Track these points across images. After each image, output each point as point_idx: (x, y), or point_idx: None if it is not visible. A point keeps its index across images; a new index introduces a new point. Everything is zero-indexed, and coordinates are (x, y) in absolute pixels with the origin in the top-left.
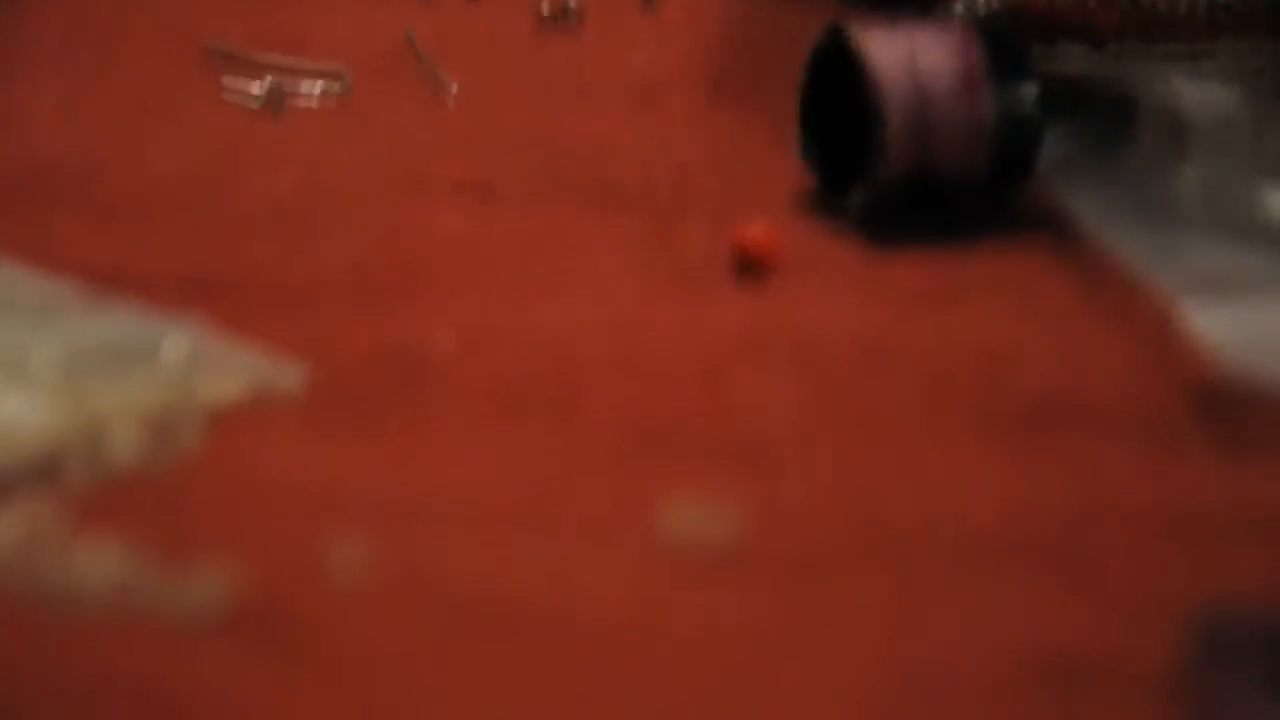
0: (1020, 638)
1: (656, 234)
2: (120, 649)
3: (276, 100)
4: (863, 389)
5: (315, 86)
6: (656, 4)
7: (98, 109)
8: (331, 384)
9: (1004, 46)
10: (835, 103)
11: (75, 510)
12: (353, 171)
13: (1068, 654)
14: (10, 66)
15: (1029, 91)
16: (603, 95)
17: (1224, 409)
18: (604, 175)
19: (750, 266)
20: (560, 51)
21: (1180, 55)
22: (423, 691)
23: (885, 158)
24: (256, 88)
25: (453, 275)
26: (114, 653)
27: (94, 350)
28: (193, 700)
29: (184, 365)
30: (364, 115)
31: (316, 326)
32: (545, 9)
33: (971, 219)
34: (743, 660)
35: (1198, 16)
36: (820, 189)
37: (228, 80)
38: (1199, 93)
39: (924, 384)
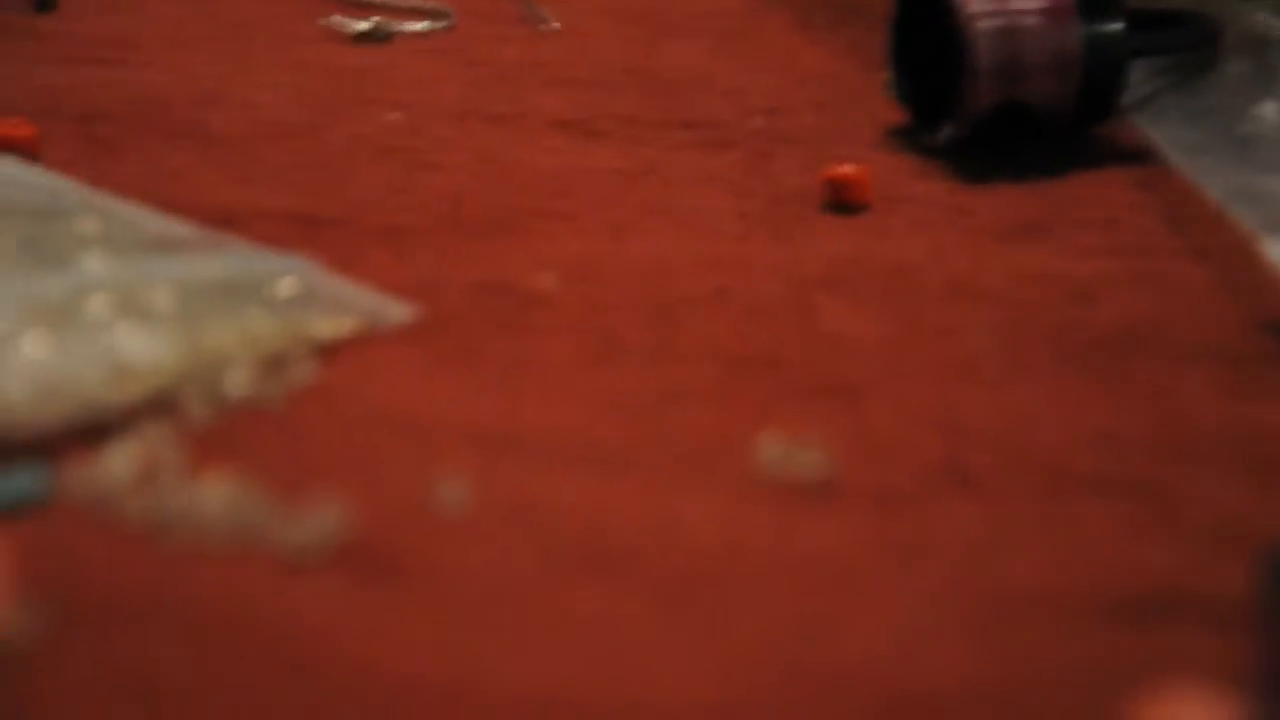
0: (1099, 569)
1: (750, 168)
2: (232, 579)
3: (382, 37)
4: (950, 322)
5: (419, 24)
6: None
7: (207, 45)
8: (436, 319)
9: None
10: (926, 37)
11: (192, 443)
12: (456, 108)
13: (1145, 585)
14: (123, 1)
15: (1116, 26)
16: (696, 30)
17: None
18: (698, 110)
19: (841, 202)
20: None
21: None
22: (523, 621)
23: (974, 92)
24: (363, 24)
25: (552, 211)
26: (226, 582)
27: (210, 287)
28: (300, 628)
29: (296, 301)
30: (467, 52)
31: (421, 262)
32: None
33: (1057, 153)
34: (832, 591)
35: None
36: (910, 123)
37: (335, 17)
38: None
39: (1009, 317)
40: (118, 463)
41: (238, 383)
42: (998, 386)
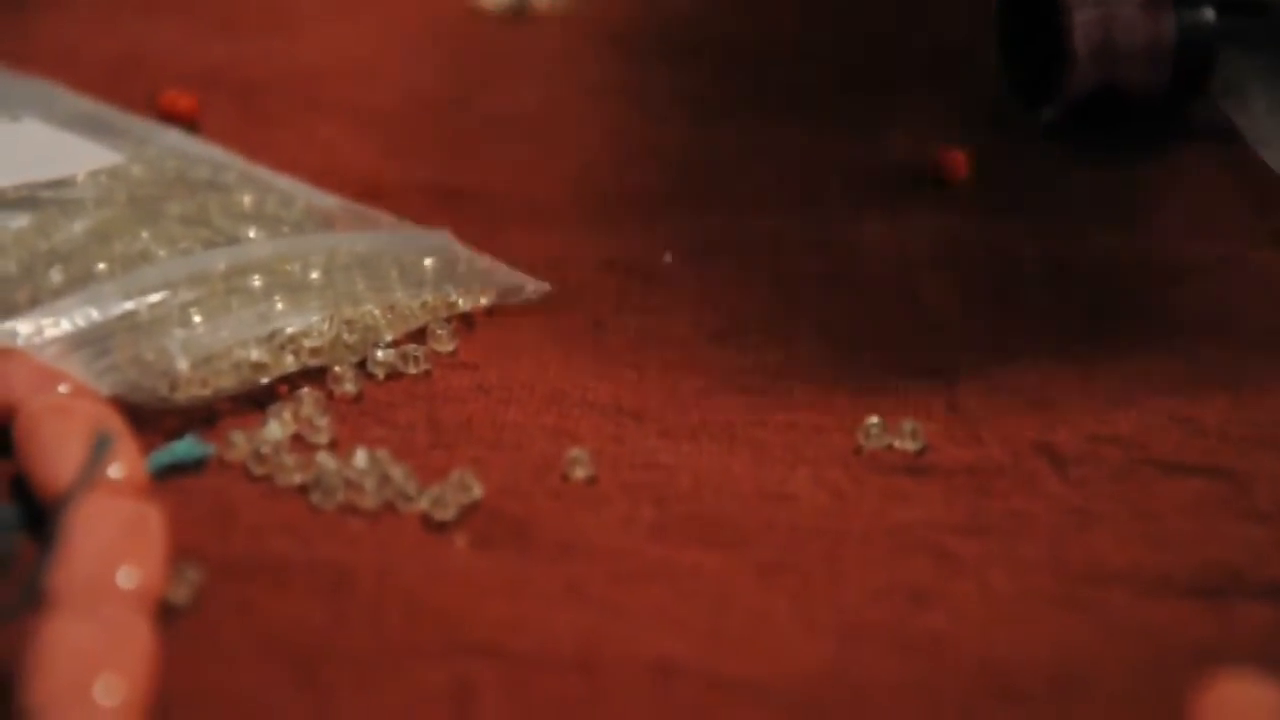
0: (1175, 548)
1: (860, 144)
2: (376, 539)
3: (519, 9)
4: (1043, 303)
5: None
6: None
7: (361, 16)
8: (566, 294)
9: None
10: (1029, 20)
11: (341, 410)
12: (586, 83)
13: (1218, 565)
14: None
15: (1207, 13)
16: (810, 3)
17: None
18: (814, 88)
19: (945, 180)
20: None
21: None
22: (643, 590)
23: (1072, 77)
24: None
25: (674, 189)
26: (370, 542)
27: (359, 262)
28: (439, 588)
29: (439, 276)
30: (595, 26)
31: (553, 237)
32: None
33: (1148, 134)
34: (930, 562)
35: None
36: (1012, 102)
37: None
38: None
39: (1098, 298)
40: (273, 427)
41: (384, 353)
42: (1086, 366)
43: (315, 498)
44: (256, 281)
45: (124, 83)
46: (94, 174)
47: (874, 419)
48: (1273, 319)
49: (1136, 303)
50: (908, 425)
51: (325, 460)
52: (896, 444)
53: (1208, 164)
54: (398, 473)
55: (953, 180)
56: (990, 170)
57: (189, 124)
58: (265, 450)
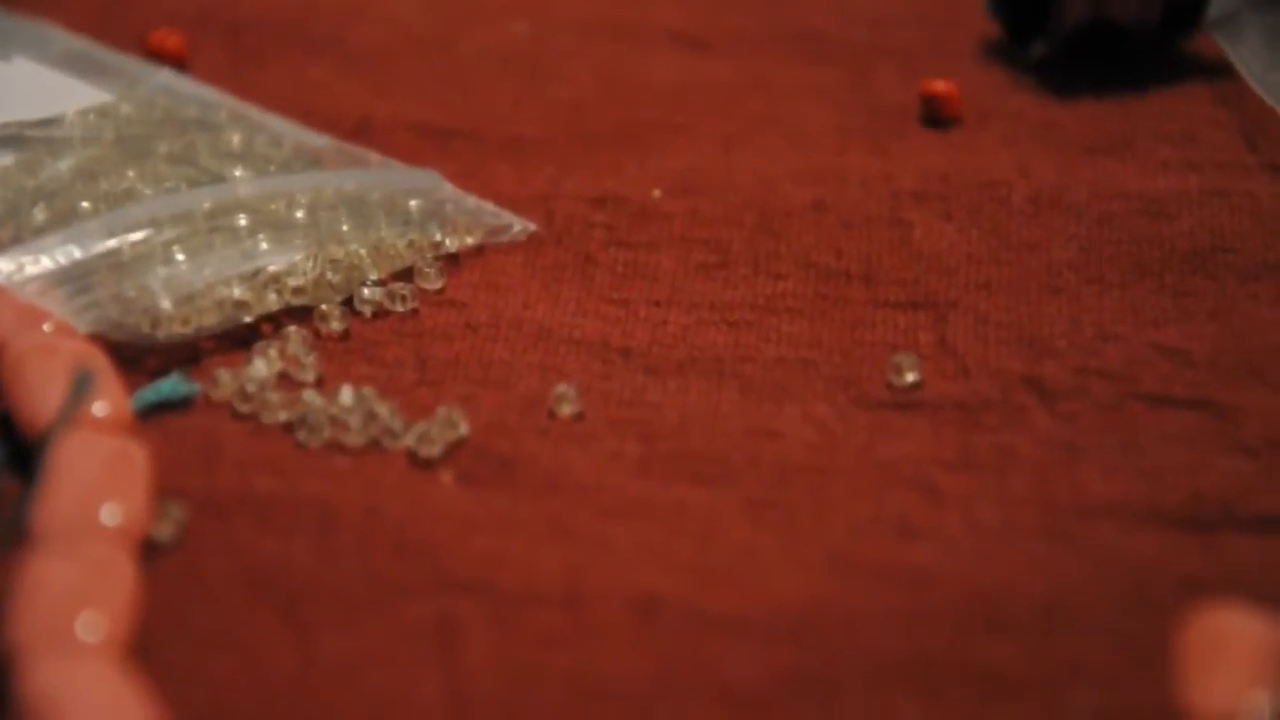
0: (1163, 480)
1: (851, 81)
2: (362, 476)
3: None
4: (1033, 237)
5: None
6: None
7: None
8: (554, 231)
9: None
10: None
11: (328, 348)
12: (577, 21)
13: (1206, 497)
14: None
15: None
16: None
17: None
18: (805, 24)
19: (936, 116)
20: None
21: None
22: (629, 525)
23: (1064, 10)
24: None
25: (665, 123)
26: (356, 479)
27: (346, 201)
28: (425, 525)
29: (425, 215)
30: None
31: (540, 174)
32: None
33: (1141, 68)
34: (918, 496)
35: None
36: (1004, 38)
37: None
38: None
39: (1089, 231)
40: (258, 365)
41: (370, 292)
42: (1075, 300)
43: (301, 435)
44: (241, 220)
45: (113, 22)
46: (82, 113)
47: (862, 353)
48: (1263, 252)
49: (1126, 235)
50: (897, 359)
51: (311, 398)
52: (886, 378)
53: (1200, 97)
54: (384, 410)
55: (944, 115)
56: (981, 105)
57: (178, 63)
58: (251, 388)
